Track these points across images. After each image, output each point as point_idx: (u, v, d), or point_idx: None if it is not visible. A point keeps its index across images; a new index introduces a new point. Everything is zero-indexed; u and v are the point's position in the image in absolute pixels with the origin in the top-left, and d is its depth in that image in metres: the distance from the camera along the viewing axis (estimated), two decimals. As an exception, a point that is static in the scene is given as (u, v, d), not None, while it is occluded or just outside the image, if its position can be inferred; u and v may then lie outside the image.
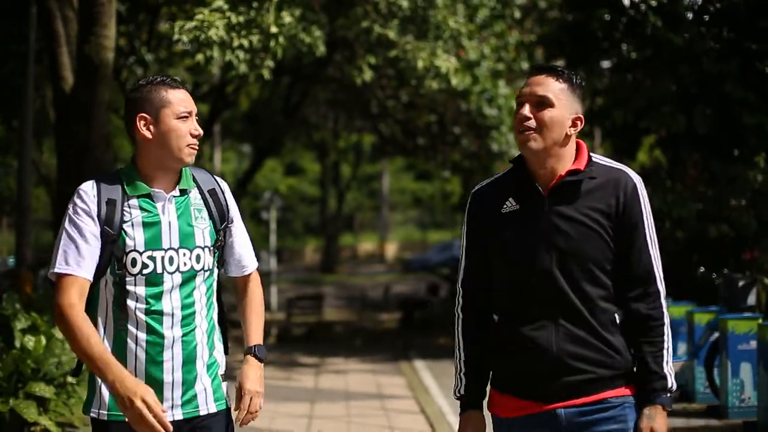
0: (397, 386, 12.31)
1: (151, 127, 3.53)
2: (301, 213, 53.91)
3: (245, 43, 10.11)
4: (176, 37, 10.22)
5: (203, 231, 3.59)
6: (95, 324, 3.49)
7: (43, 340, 8.63)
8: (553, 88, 3.43)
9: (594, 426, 3.41)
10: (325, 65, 18.02)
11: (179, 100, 3.57)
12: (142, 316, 3.47)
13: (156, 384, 3.45)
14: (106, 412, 3.50)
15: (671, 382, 3.44)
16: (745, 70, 14.17)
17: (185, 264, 3.52)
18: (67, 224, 3.52)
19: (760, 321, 9.13)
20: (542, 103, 3.42)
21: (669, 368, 3.45)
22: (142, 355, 3.47)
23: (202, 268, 3.57)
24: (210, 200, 3.65)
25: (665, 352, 3.44)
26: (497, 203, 3.53)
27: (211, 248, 3.61)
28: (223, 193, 3.69)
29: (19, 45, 17.41)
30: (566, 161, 3.46)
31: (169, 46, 21.54)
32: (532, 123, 3.41)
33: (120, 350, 3.47)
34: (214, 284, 3.66)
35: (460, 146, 20.71)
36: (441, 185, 43.45)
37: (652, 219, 3.48)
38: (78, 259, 3.47)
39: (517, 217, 3.48)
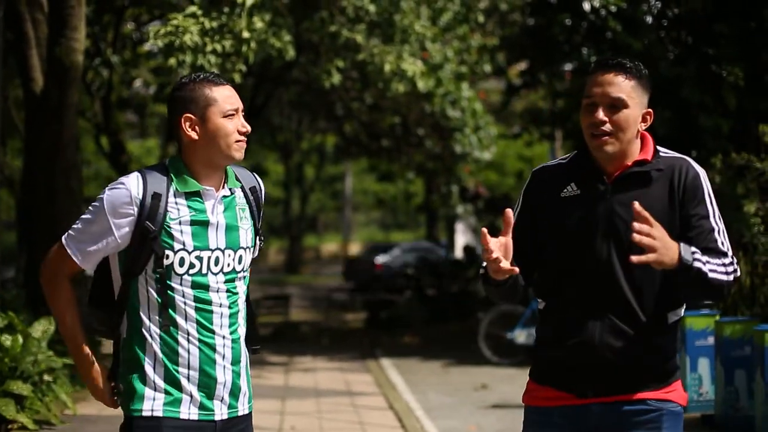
0: (365, 383, 12.52)
1: (197, 127, 3.40)
2: (264, 214, 54.01)
3: (218, 47, 10.34)
4: (152, 42, 10.43)
5: (246, 231, 3.51)
6: (138, 323, 3.40)
7: (20, 339, 8.77)
8: (625, 87, 3.33)
9: (626, 427, 3.35)
10: (290, 67, 18.21)
11: (225, 97, 3.42)
12: (192, 313, 3.37)
13: (211, 382, 3.40)
14: (161, 407, 3.38)
15: (696, 255, 3.20)
16: (703, 74, 14.52)
17: (228, 265, 3.43)
18: (96, 209, 3.40)
19: (717, 318, 9.46)
20: (616, 105, 3.33)
21: (702, 258, 3.22)
22: (195, 352, 3.38)
23: (243, 269, 3.49)
24: (251, 198, 3.56)
25: (711, 263, 3.23)
26: (557, 186, 3.45)
27: (251, 248, 3.52)
28: (261, 190, 3.61)
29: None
30: (633, 152, 3.41)
31: (134, 48, 21.67)
32: (608, 127, 3.33)
33: (171, 350, 3.38)
34: (248, 284, 3.59)
35: (423, 148, 20.94)
36: (404, 186, 43.71)
37: (717, 209, 3.38)
38: (83, 246, 3.40)
39: (577, 202, 3.40)
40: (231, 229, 3.45)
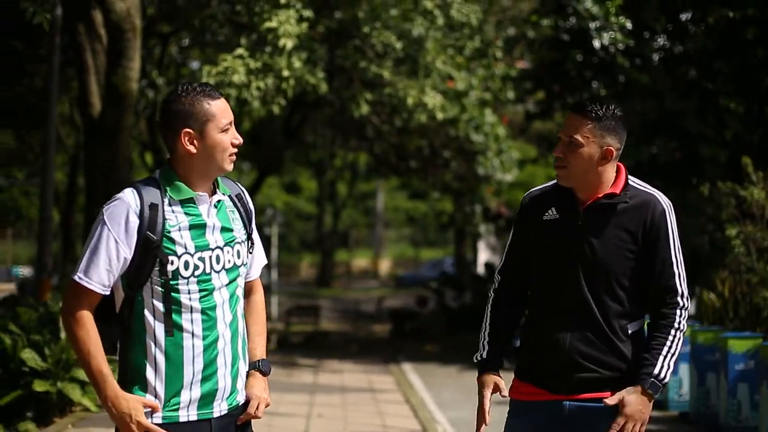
0: (386, 383, 13.69)
1: (196, 141, 3.47)
2: (297, 229, 54.87)
3: (261, 85, 11.67)
4: (204, 80, 11.78)
5: (239, 230, 3.60)
6: (143, 332, 3.44)
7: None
8: (582, 129, 3.70)
9: (593, 419, 3.68)
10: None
11: (222, 111, 3.49)
12: (198, 318, 3.45)
13: (212, 386, 3.49)
14: (160, 414, 3.43)
15: (660, 371, 3.67)
16: (704, 107, 15.68)
17: (229, 261, 3.52)
18: (97, 233, 3.42)
19: (696, 327, 10.59)
20: (572, 143, 3.71)
21: (664, 361, 3.69)
22: (199, 359, 3.45)
23: (243, 263, 3.59)
24: (239, 204, 3.64)
25: (665, 348, 3.68)
26: (541, 210, 3.83)
27: (245, 242, 3.62)
28: (246, 198, 3.70)
29: (35, 64, 18.79)
30: (605, 184, 3.76)
31: (177, 69, 22.95)
32: (563, 162, 3.74)
33: (176, 356, 3.44)
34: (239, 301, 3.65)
35: (449, 169, 21.98)
36: (434, 204, 44.42)
37: (678, 241, 3.75)
38: (99, 273, 3.41)
39: (555, 225, 3.79)
40: (225, 229, 3.56)
